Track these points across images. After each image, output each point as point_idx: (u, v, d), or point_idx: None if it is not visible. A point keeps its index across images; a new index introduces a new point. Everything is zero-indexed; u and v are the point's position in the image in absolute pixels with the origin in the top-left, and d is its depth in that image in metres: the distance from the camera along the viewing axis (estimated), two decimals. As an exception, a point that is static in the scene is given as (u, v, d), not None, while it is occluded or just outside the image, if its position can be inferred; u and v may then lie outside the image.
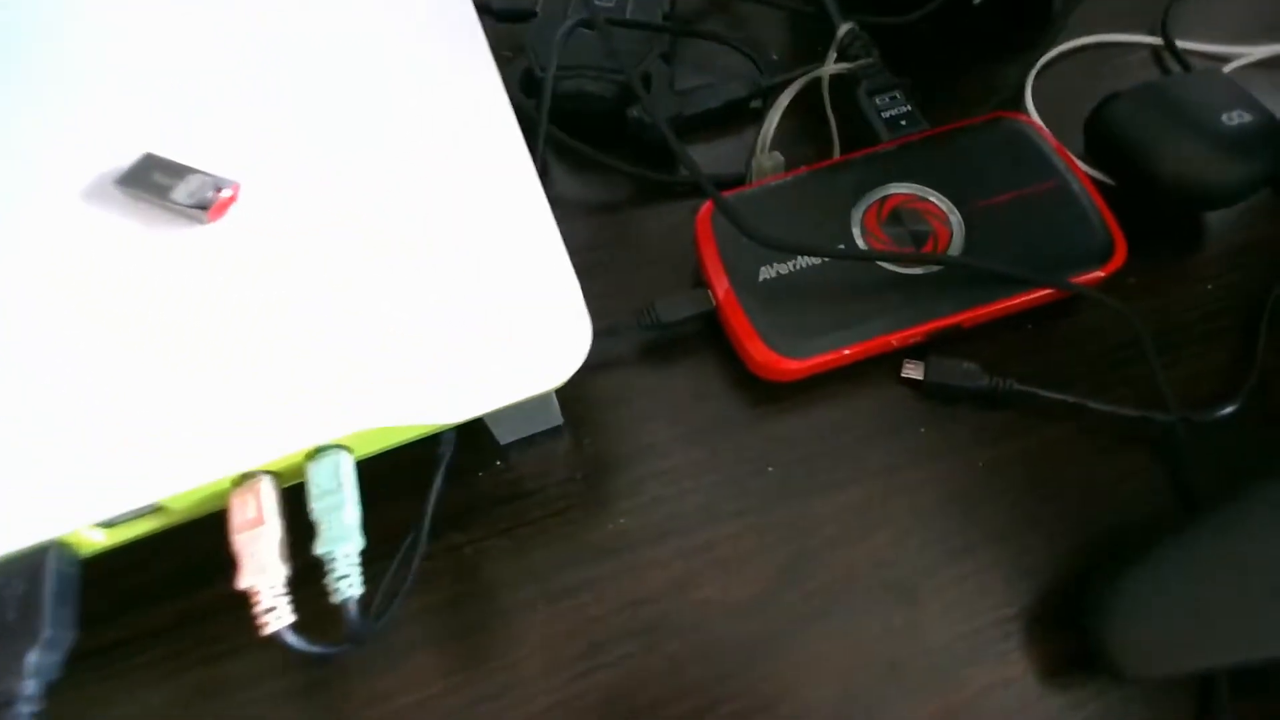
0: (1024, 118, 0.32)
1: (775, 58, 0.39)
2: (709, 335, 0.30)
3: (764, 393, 0.29)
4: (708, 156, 0.36)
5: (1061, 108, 0.35)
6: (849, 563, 0.26)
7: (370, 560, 0.22)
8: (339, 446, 0.22)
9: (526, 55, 0.35)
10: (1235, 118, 0.28)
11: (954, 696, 0.24)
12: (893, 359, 0.28)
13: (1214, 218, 0.32)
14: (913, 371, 0.28)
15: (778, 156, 0.33)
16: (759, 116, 0.35)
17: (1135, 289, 0.30)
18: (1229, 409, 0.26)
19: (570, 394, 0.26)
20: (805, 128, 0.35)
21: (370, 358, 0.22)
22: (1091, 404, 0.27)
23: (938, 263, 0.28)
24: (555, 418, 0.28)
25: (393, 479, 0.24)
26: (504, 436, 0.27)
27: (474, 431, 0.26)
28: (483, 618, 0.25)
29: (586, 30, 0.36)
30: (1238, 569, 0.22)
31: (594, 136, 0.34)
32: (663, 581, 0.25)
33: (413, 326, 0.22)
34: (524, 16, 0.37)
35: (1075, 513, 0.26)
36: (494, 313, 0.22)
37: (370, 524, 0.22)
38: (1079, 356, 0.29)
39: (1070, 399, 0.27)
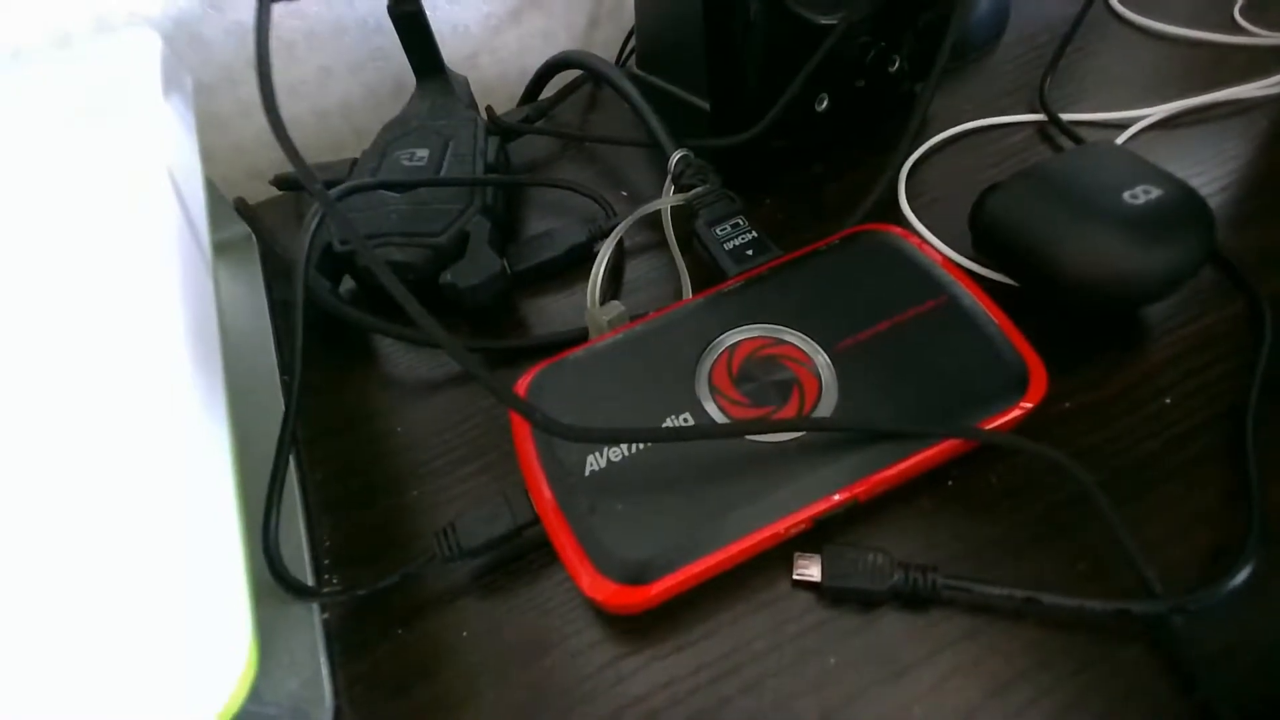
0: (890, 227, 0.26)
1: (625, 194, 0.35)
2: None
3: (617, 630, 0.21)
4: (549, 313, 0.30)
5: (945, 207, 0.30)
6: None
7: None
8: None
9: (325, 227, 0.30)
10: (1141, 194, 0.23)
11: None
12: (783, 550, 0.21)
13: (1154, 308, 0.26)
14: (807, 571, 0.21)
15: (618, 307, 0.27)
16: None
17: (1074, 416, 0.23)
18: (1238, 578, 0.19)
19: (352, 670, 0.21)
20: (662, 270, 0.30)
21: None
22: (1045, 598, 0.19)
23: (795, 428, 0.21)
24: (320, 715, 0.20)
25: None
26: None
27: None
28: None
29: (392, 194, 0.31)
30: None
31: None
32: None
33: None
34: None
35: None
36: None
37: None
38: (1018, 522, 0.21)
39: (1016, 593, 0.19)
